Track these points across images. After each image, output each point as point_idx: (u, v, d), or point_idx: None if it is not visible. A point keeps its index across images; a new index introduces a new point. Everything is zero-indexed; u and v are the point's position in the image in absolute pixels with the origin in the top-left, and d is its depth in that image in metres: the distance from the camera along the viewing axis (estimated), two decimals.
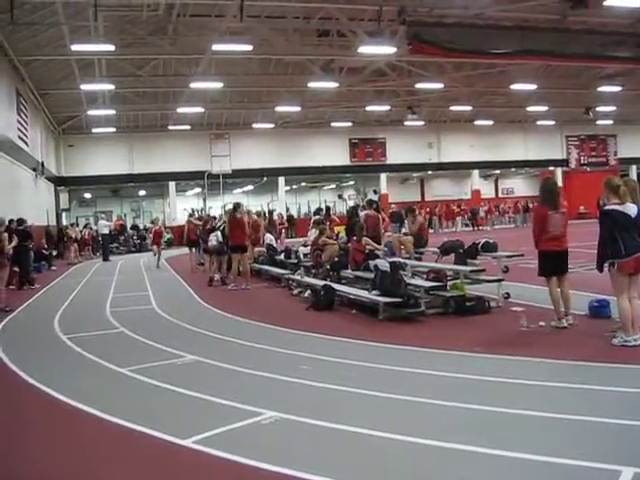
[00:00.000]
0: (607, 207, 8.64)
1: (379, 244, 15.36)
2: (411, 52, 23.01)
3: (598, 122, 48.56)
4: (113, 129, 40.55)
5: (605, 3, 19.57)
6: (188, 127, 41.59)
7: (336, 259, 15.58)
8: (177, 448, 5.66)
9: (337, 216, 26.42)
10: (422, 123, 44.83)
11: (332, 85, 31.02)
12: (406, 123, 43.53)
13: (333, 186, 57.13)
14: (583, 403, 6.40)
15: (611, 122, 49.26)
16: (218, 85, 29.96)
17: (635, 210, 8.42)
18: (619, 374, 7.41)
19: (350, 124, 44.25)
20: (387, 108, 39.58)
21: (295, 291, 15.71)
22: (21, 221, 20.03)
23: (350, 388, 7.16)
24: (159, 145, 42.49)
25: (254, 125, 42.33)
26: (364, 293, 12.47)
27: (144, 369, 8.49)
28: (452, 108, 41.04)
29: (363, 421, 6.02)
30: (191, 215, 29.60)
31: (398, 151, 46.90)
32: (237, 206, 18.69)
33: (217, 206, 41.47)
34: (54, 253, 31.28)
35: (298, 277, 16.05)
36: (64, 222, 41.96)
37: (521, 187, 56.55)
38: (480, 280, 12.45)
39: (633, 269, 8.46)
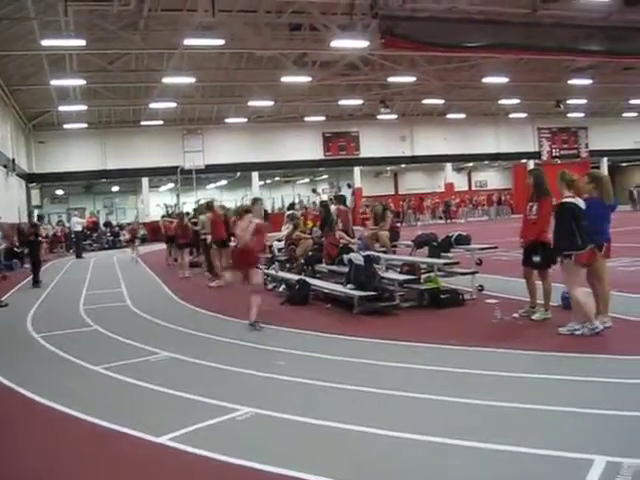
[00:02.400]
0: (565, 200, 8.83)
1: (352, 238, 15.38)
2: (383, 46, 23.03)
3: (569, 115, 48.95)
4: (85, 125, 40.22)
5: None
6: (161, 122, 41.38)
7: (310, 253, 15.59)
8: (153, 446, 5.64)
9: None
10: (395, 117, 44.92)
11: (305, 79, 31.01)
12: (379, 117, 43.60)
13: (307, 180, 57.11)
14: (554, 393, 6.45)
15: (582, 114, 49.66)
16: (190, 80, 29.83)
17: (583, 204, 8.71)
18: (588, 364, 7.50)
19: (323, 118, 44.23)
20: (360, 102, 39.64)
21: (270, 286, 15.68)
22: None
23: (326, 383, 7.17)
24: (132, 141, 42.22)
25: (227, 120, 42.17)
26: (339, 287, 12.49)
27: (118, 367, 8.45)
28: (425, 102, 41.14)
29: (339, 416, 6.04)
30: (169, 215, 29.32)
31: (371, 145, 47.00)
32: (210, 203, 18.67)
33: (191, 202, 41.28)
34: (26, 251, 31.00)
35: (273, 272, 16.04)
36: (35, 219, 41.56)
37: (494, 180, 56.84)
38: (454, 273, 12.51)
39: (587, 260, 8.68)
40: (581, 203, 8.72)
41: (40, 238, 19.37)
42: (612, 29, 24.33)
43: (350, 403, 6.57)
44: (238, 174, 47.76)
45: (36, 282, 19.42)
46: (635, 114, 51.76)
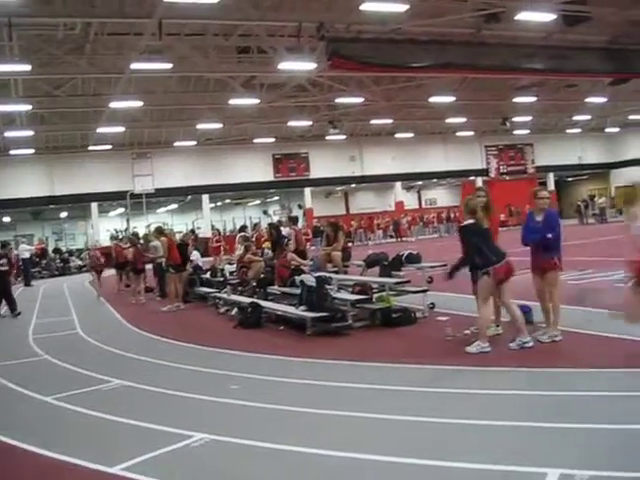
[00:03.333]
0: (465, 223, 9.29)
1: (305, 259, 15.41)
2: (331, 67, 23.19)
3: (515, 132, 49.72)
4: (32, 150, 39.59)
5: (516, 17, 20.10)
6: (109, 147, 40.96)
7: (262, 275, 15.58)
8: (107, 477, 5.57)
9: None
10: (344, 137, 45.19)
11: (253, 102, 31.06)
12: (328, 137, 43.81)
13: (258, 202, 57.07)
14: (509, 408, 6.54)
15: (528, 131, 50.49)
16: (138, 104, 29.67)
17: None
18: (538, 377, 7.64)
19: (273, 140, 44.27)
20: (309, 123, 39.84)
21: (222, 309, 15.62)
22: None
23: (281, 406, 7.16)
24: (80, 166, 41.66)
25: (176, 143, 41.98)
26: (291, 309, 12.49)
27: (70, 397, 8.32)
28: (373, 122, 41.52)
29: (295, 439, 6.03)
30: (120, 239, 28.93)
31: (321, 165, 47.15)
32: (160, 228, 18.69)
33: (141, 226, 40.92)
34: None
35: (225, 295, 15.98)
36: None
37: (443, 197, 57.48)
38: (405, 291, 12.59)
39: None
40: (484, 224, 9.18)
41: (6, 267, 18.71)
42: (554, 48, 24.86)
43: (306, 426, 6.57)
44: (189, 197, 47.54)
45: (13, 311, 18.62)
46: (578, 130, 52.84)
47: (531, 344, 8.86)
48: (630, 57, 25.26)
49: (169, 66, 23.11)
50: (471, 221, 9.14)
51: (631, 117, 49.22)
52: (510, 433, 5.86)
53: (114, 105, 29.15)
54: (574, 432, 5.74)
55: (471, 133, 49.15)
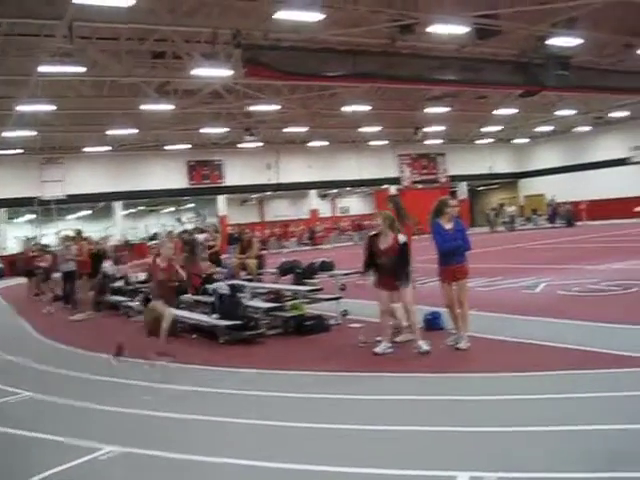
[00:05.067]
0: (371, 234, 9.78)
1: (219, 267, 15.32)
2: (247, 75, 23.12)
3: (428, 141, 50.52)
4: None
5: (429, 29, 20.43)
6: (19, 151, 39.81)
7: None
8: None
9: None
10: (260, 145, 45.06)
11: (168, 107, 30.71)
12: (244, 145, 43.64)
13: (172, 209, 56.43)
14: (419, 413, 6.64)
15: (440, 141, 51.35)
16: (50, 108, 28.97)
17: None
18: (445, 383, 7.79)
19: (187, 147, 43.85)
20: (224, 130, 39.59)
21: (134, 318, 15.37)
22: None
23: (192, 416, 7.10)
24: None
25: (89, 148, 41.08)
26: (204, 317, 12.39)
27: None
28: (289, 130, 41.55)
29: (207, 450, 5.99)
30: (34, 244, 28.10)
31: (236, 173, 46.92)
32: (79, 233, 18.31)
33: (51, 233, 39.91)
34: None
35: (136, 304, 15.73)
36: None
37: (357, 206, 57.97)
38: (318, 299, 12.64)
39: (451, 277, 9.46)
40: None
41: None
42: (466, 60, 25.37)
43: (216, 436, 6.52)
44: (102, 204, 46.65)
45: None
46: (489, 140, 54.10)
47: (426, 348, 9.18)
48: (538, 71, 25.97)
49: (82, 70, 22.65)
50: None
51: (538, 129, 50.69)
52: (419, 437, 5.95)
53: (21, 109, 28.37)
54: (482, 436, 5.86)
55: (385, 142, 49.66)
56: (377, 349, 9.51)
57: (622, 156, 49.40)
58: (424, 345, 9.26)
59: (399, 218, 10.08)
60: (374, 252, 9.52)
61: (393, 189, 49.02)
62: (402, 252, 9.41)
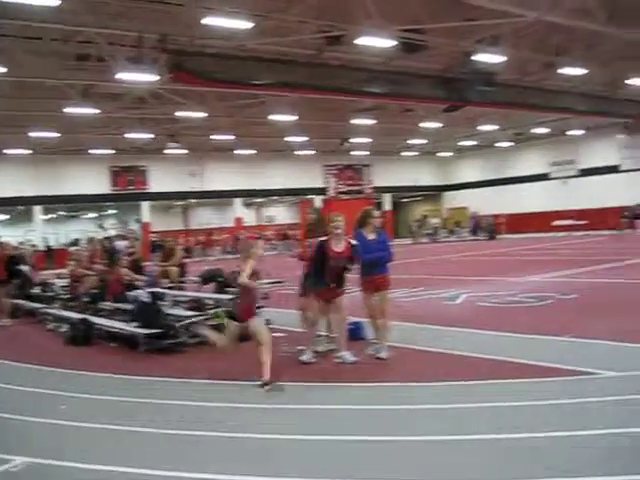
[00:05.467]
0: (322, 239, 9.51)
1: (140, 274, 15.09)
2: (172, 80, 22.92)
3: (354, 152, 50.90)
4: None
5: (356, 41, 20.57)
6: None
7: (95, 290, 15.11)
8: None
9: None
10: (185, 152, 44.70)
11: (92, 111, 30.19)
12: (169, 151, 43.22)
13: (95, 215, 55.47)
14: (336, 423, 6.64)
15: (366, 153, 51.78)
16: None
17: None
18: (367, 392, 7.80)
19: (111, 152, 43.16)
20: (149, 136, 39.09)
21: (51, 326, 15.01)
22: None
23: (111, 425, 6.96)
24: None
25: (7, 151, 40.13)
26: (124, 325, 12.17)
27: None
28: (215, 137, 41.25)
29: (123, 459, 5.88)
30: None
31: (161, 179, 46.41)
32: None
33: None
34: None
35: (54, 311, 15.37)
36: None
37: (283, 215, 57.98)
38: None
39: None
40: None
41: None
42: (393, 73, 25.66)
43: (136, 445, 6.40)
44: (21, 208, 45.54)
45: None
46: (414, 153, 54.82)
47: (352, 359, 9.24)
48: (462, 86, 26.43)
49: (2, 70, 22.12)
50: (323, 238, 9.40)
51: (461, 143, 51.60)
52: (338, 447, 5.94)
53: None
54: (400, 445, 5.89)
55: (312, 152, 49.84)
56: (303, 357, 9.52)
57: (542, 171, 50.94)
58: (349, 356, 9.25)
59: (319, 227, 10.16)
60: (326, 256, 9.29)
61: (318, 200, 49.27)
62: (351, 256, 9.37)
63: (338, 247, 9.30)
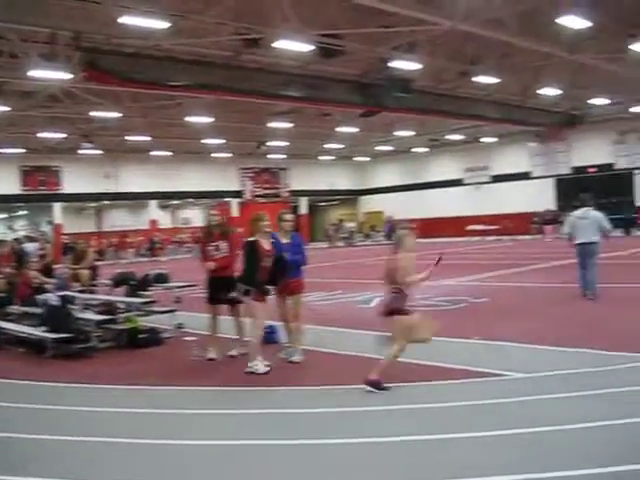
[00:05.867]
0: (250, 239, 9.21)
1: (50, 277, 14.74)
2: (86, 79, 22.47)
3: (271, 156, 50.86)
4: None
5: (274, 45, 20.55)
6: None
7: (2, 294, 14.65)
8: None
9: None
10: (100, 152, 43.83)
11: (2, 109, 29.37)
12: (83, 152, 42.28)
13: (4, 216, 53.92)
14: (246, 427, 6.60)
15: (284, 156, 51.80)
16: None
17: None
18: (273, 396, 7.80)
19: (22, 151, 42.00)
20: (62, 136, 38.21)
21: None
22: None
23: (17, 434, 6.74)
24: None
25: None
26: (32, 330, 11.83)
27: None
28: (130, 138, 40.59)
29: (39, 470, 5.70)
30: None
31: (74, 180, 45.37)
32: None
33: None
34: None
35: None
36: None
37: (198, 217, 57.45)
38: (152, 312, 12.37)
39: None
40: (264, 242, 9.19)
41: None
42: (310, 77, 25.76)
43: (50, 455, 6.22)
44: None
45: None
46: (331, 157, 55.13)
47: (264, 370, 8.94)
48: (378, 91, 26.73)
49: None
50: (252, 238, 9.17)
51: (378, 148, 52.10)
52: (248, 452, 5.92)
53: None
54: (312, 448, 5.89)
55: (228, 155, 49.55)
56: (260, 370, 8.88)
57: (456, 177, 52.00)
58: (261, 367, 8.94)
59: (225, 229, 10.36)
60: (260, 255, 9.01)
61: (235, 203, 49.00)
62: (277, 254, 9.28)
63: (267, 245, 9.22)
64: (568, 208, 15.07)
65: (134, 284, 13.20)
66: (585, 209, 14.40)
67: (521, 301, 14.83)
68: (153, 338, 11.54)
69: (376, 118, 32.77)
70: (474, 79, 26.99)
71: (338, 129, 39.78)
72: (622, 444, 5.63)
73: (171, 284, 13.28)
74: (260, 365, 8.85)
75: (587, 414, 6.36)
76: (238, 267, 9.76)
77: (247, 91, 25.11)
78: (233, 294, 9.77)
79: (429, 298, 15.22)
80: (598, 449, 5.55)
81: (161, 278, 13.15)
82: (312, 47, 21.03)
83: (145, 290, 12.93)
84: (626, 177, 43.31)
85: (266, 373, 8.78)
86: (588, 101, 35.19)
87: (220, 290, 10.04)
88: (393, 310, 7.61)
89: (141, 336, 11.44)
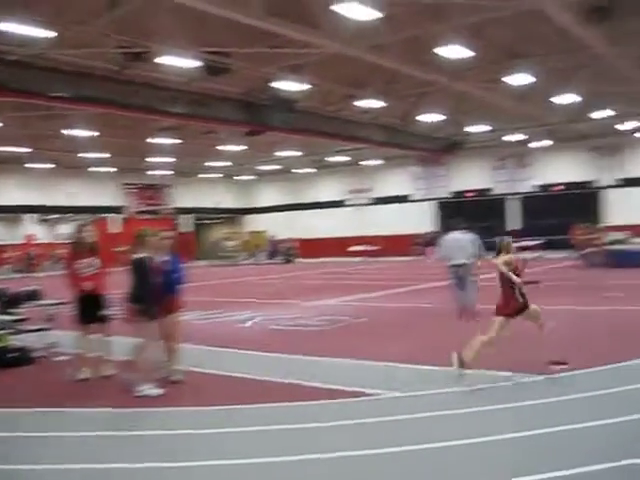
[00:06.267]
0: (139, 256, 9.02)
1: None
2: None
3: (155, 172, 50.19)
4: None
5: (159, 60, 20.31)
6: None
7: None
8: None
9: None
10: None
11: None
12: None
13: None
14: (121, 450, 6.48)
15: (168, 172, 51.19)
16: None
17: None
18: (152, 417, 7.67)
19: None
20: None
21: None
22: None
23: None
24: None
25: None
26: None
27: None
28: (6, 149, 39.16)
29: None
30: None
31: None
32: None
33: None
34: None
35: None
36: None
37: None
38: (23, 330, 11.93)
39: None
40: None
41: None
42: (195, 94, 25.63)
43: None
44: None
45: None
46: (217, 175, 54.94)
47: (157, 392, 8.75)
48: (263, 111, 26.89)
49: None
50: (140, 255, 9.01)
51: (263, 167, 52.30)
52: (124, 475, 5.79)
53: None
54: (190, 470, 5.83)
55: (111, 169, 48.58)
56: (152, 394, 8.62)
57: (339, 198, 52.67)
58: (154, 390, 8.68)
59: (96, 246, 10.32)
60: (149, 272, 8.91)
61: (118, 218, 48.05)
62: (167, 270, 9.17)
63: (157, 262, 9.13)
64: (448, 231, 15.71)
65: (5, 301, 12.69)
66: (457, 232, 14.99)
67: (397, 320, 15.20)
68: (23, 357, 11.15)
69: (261, 137, 32.86)
70: (360, 103, 27.43)
71: (223, 147, 39.66)
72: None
73: (44, 301, 12.82)
74: (152, 389, 8.65)
75: (444, 434, 6.54)
76: (109, 284, 9.63)
77: (131, 106, 24.79)
78: (104, 312, 9.64)
79: (309, 318, 15.32)
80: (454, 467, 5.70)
81: (33, 295, 12.69)
82: (198, 64, 20.92)
83: (16, 307, 12.45)
84: (500, 202, 45.09)
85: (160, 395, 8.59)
86: (467, 128, 36.36)
87: (91, 308, 9.84)
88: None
89: (10, 355, 11.02)
